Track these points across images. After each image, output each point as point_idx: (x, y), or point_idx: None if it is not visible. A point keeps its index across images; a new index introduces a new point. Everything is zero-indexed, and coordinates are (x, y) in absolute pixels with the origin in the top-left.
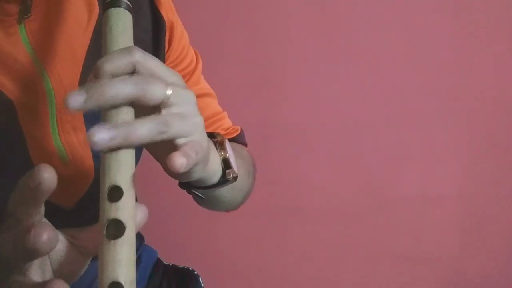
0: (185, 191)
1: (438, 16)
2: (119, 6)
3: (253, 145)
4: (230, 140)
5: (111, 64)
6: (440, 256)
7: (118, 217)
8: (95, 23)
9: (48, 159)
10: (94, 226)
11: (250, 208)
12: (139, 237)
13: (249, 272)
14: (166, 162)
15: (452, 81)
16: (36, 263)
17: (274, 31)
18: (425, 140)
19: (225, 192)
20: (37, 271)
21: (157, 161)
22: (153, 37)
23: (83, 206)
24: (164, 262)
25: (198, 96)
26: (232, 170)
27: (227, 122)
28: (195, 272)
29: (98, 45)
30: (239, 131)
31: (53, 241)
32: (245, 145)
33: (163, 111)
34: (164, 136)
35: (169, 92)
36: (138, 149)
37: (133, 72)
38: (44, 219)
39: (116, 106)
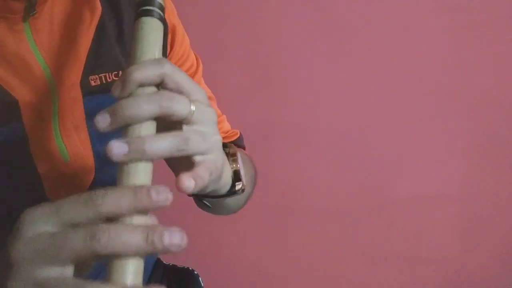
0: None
1: (438, 16)
2: (152, 15)
3: (253, 145)
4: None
5: (140, 73)
6: (440, 256)
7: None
8: (97, 23)
9: (50, 158)
10: None
11: (250, 208)
12: None
13: (249, 272)
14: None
15: (452, 81)
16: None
17: (274, 31)
18: (425, 140)
19: (231, 201)
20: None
21: (171, 169)
22: None
23: None
24: (164, 262)
25: None
26: (242, 183)
27: (226, 125)
28: (195, 272)
29: (100, 45)
30: (238, 135)
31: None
32: (244, 148)
33: (185, 128)
34: (183, 153)
35: (193, 109)
36: None
37: (160, 84)
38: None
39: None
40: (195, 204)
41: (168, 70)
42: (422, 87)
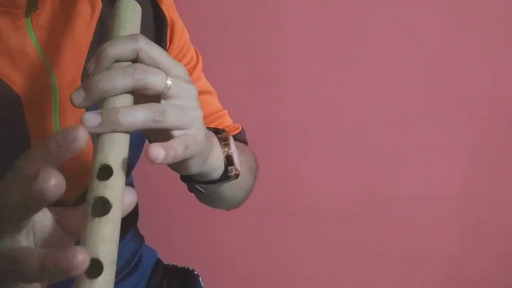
0: (187, 190)
1: (438, 16)
2: None
3: (253, 145)
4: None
5: (115, 48)
6: (440, 256)
7: (105, 195)
8: (97, 19)
9: None
10: (83, 205)
11: (250, 208)
12: (139, 237)
13: (249, 272)
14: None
15: (452, 81)
16: (24, 231)
17: (274, 31)
18: (425, 140)
19: (226, 188)
20: (25, 239)
21: None
22: (155, 33)
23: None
24: (164, 262)
25: (198, 93)
26: (235, 167)
27: (227, 120)
28: (195, 272)
29: (101, 41)
30: (240, 129)
31: (60, 188)
32: (246, 143)
33: (163, 102)
34: (159, 125)
35: (169, 83)
36: (138, 147)
37: (135, 59)
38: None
39: (115, 95)
40: (195, 205)
41: (144, 45)
42: (422, 87)
